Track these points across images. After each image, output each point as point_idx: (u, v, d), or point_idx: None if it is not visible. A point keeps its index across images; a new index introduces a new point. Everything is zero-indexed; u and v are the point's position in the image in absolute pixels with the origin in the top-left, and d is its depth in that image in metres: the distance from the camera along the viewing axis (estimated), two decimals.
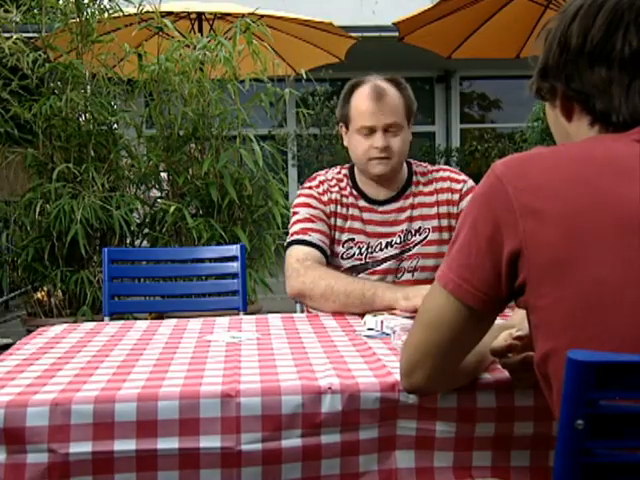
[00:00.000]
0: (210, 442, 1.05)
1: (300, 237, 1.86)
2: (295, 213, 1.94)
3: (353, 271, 1.88)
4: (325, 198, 1.92)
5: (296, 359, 1.28)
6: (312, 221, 1.88)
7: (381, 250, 1.88)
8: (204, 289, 2.34)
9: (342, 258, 1.89)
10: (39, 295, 4.07)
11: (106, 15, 3.97)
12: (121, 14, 4.10)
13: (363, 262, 1.89)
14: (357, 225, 1.91)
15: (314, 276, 1.76)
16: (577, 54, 0.93)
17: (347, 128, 1.93)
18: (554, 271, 0.85)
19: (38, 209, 3.71)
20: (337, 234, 1.91)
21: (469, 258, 0.94)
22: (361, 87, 1.89)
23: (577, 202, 0.85)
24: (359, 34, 6.71)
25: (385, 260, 1.89)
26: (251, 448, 1.06)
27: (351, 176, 1.98)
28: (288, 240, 1.90)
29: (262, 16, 5.94)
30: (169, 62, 3.92)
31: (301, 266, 1.80)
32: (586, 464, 0.69)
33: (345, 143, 1.96)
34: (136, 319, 3.20)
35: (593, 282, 0.82)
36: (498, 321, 1.05)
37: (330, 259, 1.89)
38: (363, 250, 1.89)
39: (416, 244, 1.89)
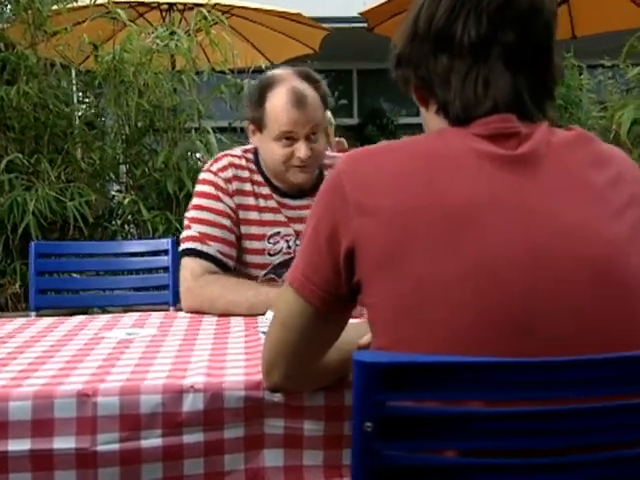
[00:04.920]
0: (64, 443, 1.03)
1: (197, 246, 1.69)
2: (195, 207, 1.74)
3: (284, 266, 1.75)
4: (232, 187, 1.73)
5: (177, 357, 1.26)
6: (213, 224, 1.71)
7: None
8: (134, 283, 2.32)
9: (269, 255, 1.77)
10: None
11: (61, 6, 3.92)
12: (75, 4, 4.05)
13: (293, 255, 1.73)
14: (281, 217, 1.78)
15: (211, 296, 1.64)
16: (423, 41, 0.91)
17: (259, 131, 1.75)
18: (380, 269, 0.83)
19: None
20: (255, 229, 1.75)
21: (312, 256, 0.92)
22: (276, 89, 1.71)
23: (409, 200, 0.83)
24: (349, 25, 6.65)
25: None
26: (107, 449, 1.04)
27: (256, 162, 1.80)
28: (183, 246, 1.71)
29: (232, 7, 5.91)
30: (127, 53, 3.88)
31: (196, 284, 1.66)
32: (377, 466, 0.68)
33: (254, 143, 1.80)
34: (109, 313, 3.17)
35: (414, 282, 0.80)
36: None
37: (247, 258, 1.77)
38: (291, 243, 1.77)
39: None
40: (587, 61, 8.99)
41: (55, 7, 3.99)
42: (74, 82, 4.03)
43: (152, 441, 1.05)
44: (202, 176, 1.78)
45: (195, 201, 1.76)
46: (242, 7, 5.83)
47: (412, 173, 0.85)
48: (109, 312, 3.41)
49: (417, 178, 0.84)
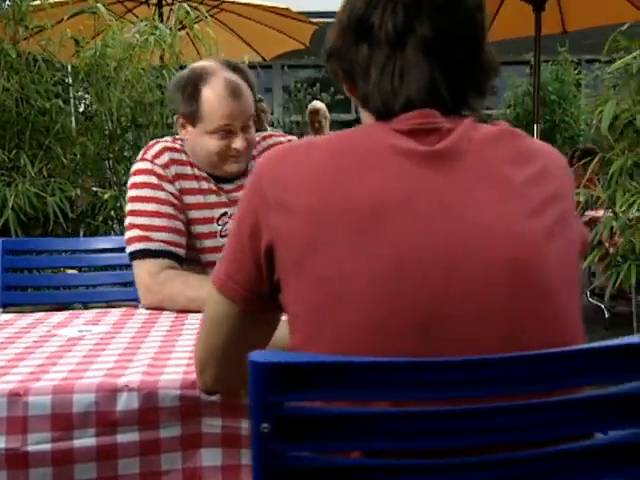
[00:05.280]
0: None
1: (143, 246, 1.64)
2: (135, 199, 1.66)
3: None
4: (172, 172, 1.68)
5: (122, 355, 1.25)
6: (157, 215, 1.64)
7: None
8: (101, 280, 2.30)
9: (221, 236, 1.73)
10: None
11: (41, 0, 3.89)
12: None
13: None
14: (223, 198, 1.76)
15: (171, 293, 1.59)
16: (345, 32, 0.90)
17: (192, 124, 1.70)
18: (294, 266, 0.82)
19: None
20: (202, 212, 1.72)
21: (235, 254, 0.91)
22: (211, 83, 1.67)
23: (324, 196, 0.82)
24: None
25: None
26: (39, 449, 1.03)
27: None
28: (131, 248, 1.66)
29: (222, 1, 5.88)
30: (108, 48, 3.86)
31: (154, 282, 1.61)
32: (278, 468, 0.66)
33: (183, 137, 1.74)
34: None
35: (325, 279, 0.79)
36: None
37: (199, 243, 1.73)
38: None
39: None
40: (585, 56, 8.95)
41: (37, 2, 3.97)
42: (57, 76, 4.00)
43: (85, 441, 1.04)
44: (137, 166, 1.70)
45: (134, 193, 1.69)
46: (231, 2, 5.81)
47: (333, 170, 0.83)
48: (90, 308, 3.42)
49: (338, 175, 0.82)
